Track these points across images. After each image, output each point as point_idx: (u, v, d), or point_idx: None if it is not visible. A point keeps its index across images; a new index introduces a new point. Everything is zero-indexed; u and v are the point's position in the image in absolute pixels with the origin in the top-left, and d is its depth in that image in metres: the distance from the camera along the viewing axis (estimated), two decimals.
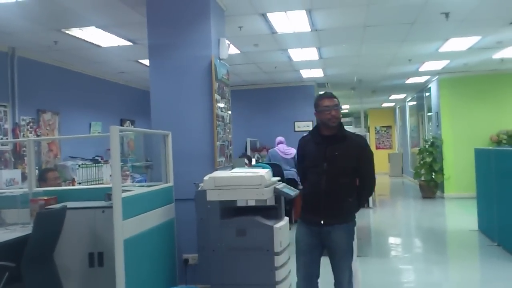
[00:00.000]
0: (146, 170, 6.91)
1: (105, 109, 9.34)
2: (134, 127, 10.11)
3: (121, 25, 6.06)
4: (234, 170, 4.19)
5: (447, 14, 6.01)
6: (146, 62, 5.15)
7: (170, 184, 4.11)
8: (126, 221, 3.14)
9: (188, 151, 4.58)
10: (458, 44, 7.94)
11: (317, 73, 10.51)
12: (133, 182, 6.13)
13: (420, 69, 10.48)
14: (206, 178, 3.75)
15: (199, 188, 3.80)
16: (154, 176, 4.82)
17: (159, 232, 3.74)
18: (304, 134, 3.53)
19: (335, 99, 3.31)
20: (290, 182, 6.93)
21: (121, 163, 7.14)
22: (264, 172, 3.79)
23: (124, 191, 3.29)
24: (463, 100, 11.34)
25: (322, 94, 3.39)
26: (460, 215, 9.41)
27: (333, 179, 3.21)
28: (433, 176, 11.48)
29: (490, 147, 9.36)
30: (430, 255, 6.42)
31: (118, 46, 7.01)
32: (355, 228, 3.41)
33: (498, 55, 9.07)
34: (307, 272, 3.34)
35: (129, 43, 6.89)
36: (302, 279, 3.36)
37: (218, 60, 4.83)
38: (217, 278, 3.63)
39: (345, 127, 3.39)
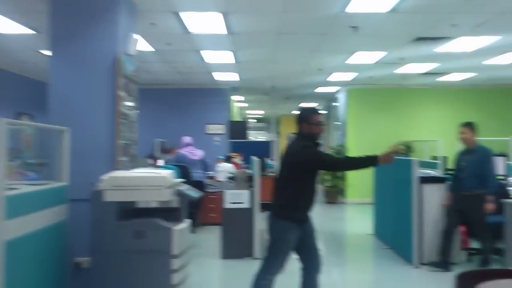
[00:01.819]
0: (40, 167, 6.48)
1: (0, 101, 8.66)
2: (33, 121, 9.46)
3: (23, 12, 5.67)
4: (135, 170, 4.06)
5: (355, 28, 6.29)
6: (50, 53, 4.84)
7: (64, 183, 3.87)
8: (10, 221, 2.91)
9: (88, 149, 4.37)
10: (365, 57, 8.34)
11: (232, 76, 10.55)
12: (24, 180, 5.70)
13: (329, 79, 10.90)
14: (104, 177, 3.59)
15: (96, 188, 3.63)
16: (50, 174, 4.52)
17: (49, 234, 3.51)
18: (307, 143, 3.58)
19: None
20: (198, 184, 6.88)
21: (18, 160, 6.66)
22: (167, 173, 3.71)
23: (10, 189, 3.05)
24: (368, 111, 11.96)
25: (313, 109, 3.80)
26: (358, 220, 9.85)
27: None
28: (336, 183, 11.98)
29: None
30: (329, 257, 6.63)
31: (20, 34, 6.56)
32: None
33: (400, 70, 9.67)
34: (283, 267, 3.68)
35: (32, 32, 6.45)
36: (275, 275, 3.63)
37: (125, 56, 4.66)
38: (111, 282, 3.50)
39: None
